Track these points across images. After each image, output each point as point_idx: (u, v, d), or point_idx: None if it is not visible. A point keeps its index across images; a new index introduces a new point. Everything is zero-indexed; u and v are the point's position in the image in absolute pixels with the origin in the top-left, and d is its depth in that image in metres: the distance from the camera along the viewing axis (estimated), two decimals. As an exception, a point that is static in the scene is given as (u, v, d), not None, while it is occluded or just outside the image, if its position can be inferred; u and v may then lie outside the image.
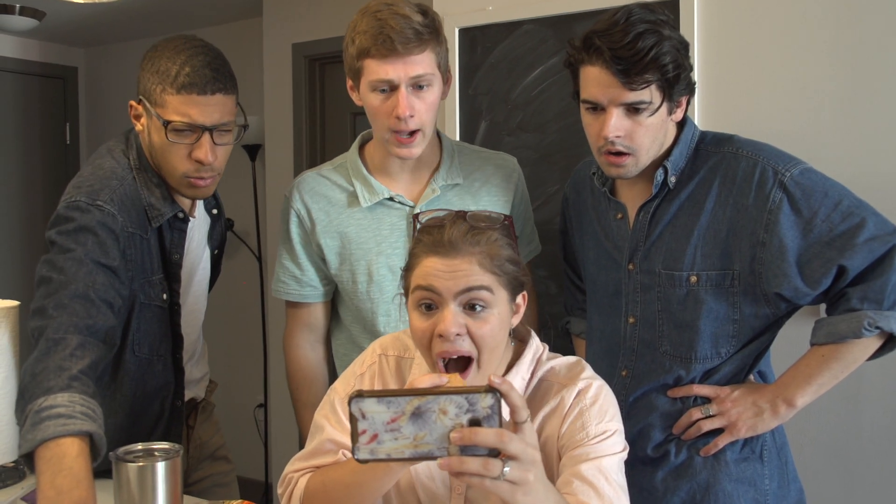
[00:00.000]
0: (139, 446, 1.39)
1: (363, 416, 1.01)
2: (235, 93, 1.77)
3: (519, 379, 1.43)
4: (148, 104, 1.72)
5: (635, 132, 1.61)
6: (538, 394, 1.44)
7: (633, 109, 1.59)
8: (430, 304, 1.32)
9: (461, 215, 1.37)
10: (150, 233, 1.79)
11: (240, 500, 1.40)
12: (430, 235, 1.35)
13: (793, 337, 1.79)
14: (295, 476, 1.44)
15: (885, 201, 1.76)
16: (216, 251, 2.09)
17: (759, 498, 1.70)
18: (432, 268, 1.31)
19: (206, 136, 1.72)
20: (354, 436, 1.02)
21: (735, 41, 2.21)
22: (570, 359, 1.49)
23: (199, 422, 2.10)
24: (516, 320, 1.41)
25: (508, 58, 2.66)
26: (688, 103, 1.70)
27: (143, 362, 1.81)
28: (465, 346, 1.30)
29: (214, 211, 2.04)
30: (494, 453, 1.02)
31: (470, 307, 1.30)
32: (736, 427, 1.66)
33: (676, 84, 1.60)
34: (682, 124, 1.73)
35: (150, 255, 1.79)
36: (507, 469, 1.02)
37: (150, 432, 1.85)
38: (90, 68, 5.20)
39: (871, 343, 1.60)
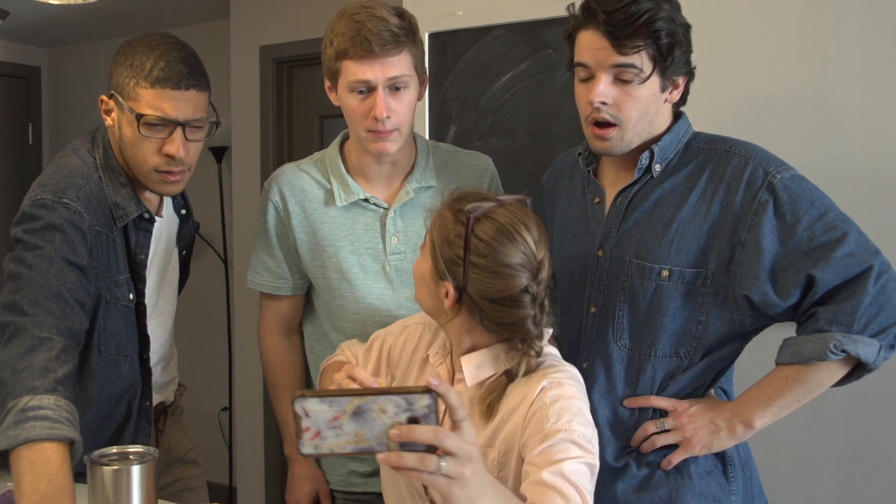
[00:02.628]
0: (114, 450, 1.38)
1: (306, 415, 1.05)
2: (208, 91, 1.77)
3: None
4: (120, 98, 1.71)
5: (623, 102, 1.58)
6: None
7: (622, 80, 1.57)
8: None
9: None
10: (115, 232, 1.77)
11: (211, 504, 1.38)
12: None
13: (760, 355, 1.73)
14: None
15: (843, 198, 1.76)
16: (184, 252, 2.07)
17: None
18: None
19: (179, 131, 1.71)
20: (299, 431, 1.06)
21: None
22: (547, 349, 1.50)
23: (168, 425, 2.08)
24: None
25: (478, 63, 2.68)
26: (686, 88, 1.66)
27: (110, 363, 1.80)
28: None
29: (183, 211, 2.03)
30: (432, 450, 1.06)
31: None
32: (690, 444, 1.61)
33: (670, 57, 1.56)
34: (677, 117, 1.70)
35: (116, 254, 1.78)
36: (443, 464, 1.05)
37: (118, 434, 1.84)
38: (53, 68, 5.14)
39: (837, 368, 1.53)
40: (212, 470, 4.48)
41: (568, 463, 1.31)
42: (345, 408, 1.05)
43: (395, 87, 1.79)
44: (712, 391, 1.69)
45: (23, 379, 1.41)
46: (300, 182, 1.97)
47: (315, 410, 1.05)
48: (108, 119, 1.78)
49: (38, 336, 1.48)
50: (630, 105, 1.59)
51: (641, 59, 1.56)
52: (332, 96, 1.88)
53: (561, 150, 2.55)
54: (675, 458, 1.63)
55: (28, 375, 1.41)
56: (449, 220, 1.44)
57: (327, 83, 1.88)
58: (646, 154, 1.66)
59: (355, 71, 1.77)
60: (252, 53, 4.10)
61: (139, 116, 1.68)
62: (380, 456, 1.06)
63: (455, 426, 1.10)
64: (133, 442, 1.80)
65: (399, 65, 1.77)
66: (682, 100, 1.69)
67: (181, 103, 1.69)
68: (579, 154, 1.81)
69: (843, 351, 1.48)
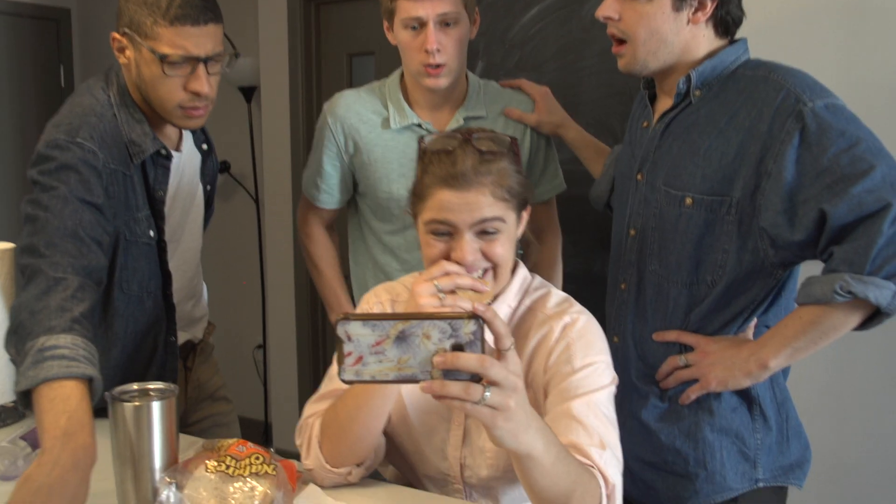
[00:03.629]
0: (134, 386, 1.39)
1: (349, 339, 1.04)
2: (222, 21, 1.75)
3: (505, 307, 1.47)
4: (137, 37, 1.68)
5: (629, 17, 1.60)
6: (525, 323, 1.47)
7: None
8: (444, 232, 1.37)
9: (468, 139, 1.38)
10: (133, 169, 1.76)
11: (235, 439, 1.40)
12: (441, 165, 1.37)
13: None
14: (309, 422, 1.48)
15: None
16: (209, 187, 2.07)
17: (747, 451, 1.65)
18: (446, 201, 1.35)
19: (202, 68, 1.70)
20: (340, 357, 1.04)
21: None
22: (560, 293, 1.51)
23: (196, 363, 2.11)
24: (521, 230, 1.47)
25: (505, -3, 2.63)
26: (720, 12, 1.60)
27: (133, 299, 1.81)
28: (481, 265, 1.38)
29: (204, 146, 2.02)
30: (476, 378, 1.03)
31: (483, 232, 1.36)
32: (707, 380, 1.60)
33: None
34: (733, 43, 1.66)
35: (134, 191, 1.77)
36: (487, 394, 1.03)
37: (145, 369, 1.86)
38: (83, 9, 5.12)
39: (852, 311, 1.45)
40: (247, 407, 4.56)
41: (596, 394, 1.35)
42: (388, 332, 1.03)
43: (444, 22, 1.91)
44: (750, 328, 1.65)
45: (40, 320, 1.42)
46: (357, 106, 2.11)
47: (358, 334, 1.03)
48: (122, 57, 1.76)
49: (53, 277, 1.49)
50: (636, 21, 1.60)
51: None
52: (389, 36, 2.02)
53: (590, 85, 2.51)
54: (693, 393, 1.63)
55: (45, 316, 1.42)
56: (501, 163, 1.40)
57: (385, 24, 2.01)
58: (683, 79, 1.64)
59: (408, 8, 1.90)
60: (280, -10, 4.05)
61: (162, 57, 1.66)
62: (422, 384, 1.04)
63: (500, 355, 1.08)
64: (160, 377, 1.82)
65: (449, 2, 1.89)
66: (722, 27, 1.63)
67: (202, 39, 1.67)
68: (643, 77, 1.80)
69: (850, 293, 1.41)
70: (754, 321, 1.65)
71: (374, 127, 2.08)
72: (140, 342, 1.84)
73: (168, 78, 1.68)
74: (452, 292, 1.30)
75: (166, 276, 1.87)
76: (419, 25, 1.91)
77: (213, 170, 2.09)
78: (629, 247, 1.74)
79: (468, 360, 1.02)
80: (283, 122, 4.13)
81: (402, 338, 1.03)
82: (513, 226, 1.40)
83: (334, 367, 1.48)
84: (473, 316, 1.03)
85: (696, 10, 1.59)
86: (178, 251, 1.95)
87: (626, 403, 1.67)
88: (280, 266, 4.19)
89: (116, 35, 1.74)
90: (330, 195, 2.19)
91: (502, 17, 2.63)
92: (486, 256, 1.37)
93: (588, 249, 2.54)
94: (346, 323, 1.03)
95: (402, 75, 2.11)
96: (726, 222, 1.57)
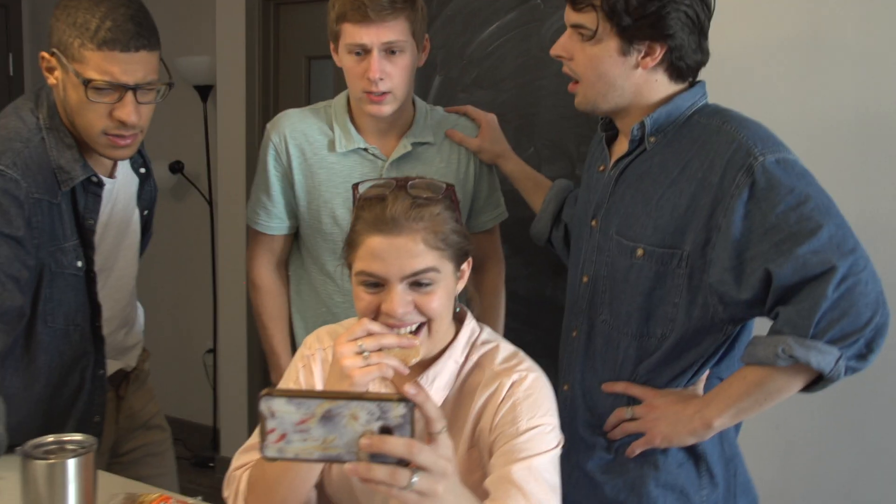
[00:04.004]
0: (50, 438, 1.32)
1: (272, 415, 0.99)
2: (159, 48, 1.67)
3: (452, 362, 1.41)
4: (64, 59, 1.60)
5: (578, 58, 1.59)
6: (473, 379, 1.42)
7: (578, 34, 1.57)
8: (375, 283, 1.30)
9: (402, 186, 1.32)
10: (60, 197, 1.68)
11: (158, 493, 1.33)
12: (372, 211, 1.31)
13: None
14: (237, 474, 1.42)
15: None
16: (146, 212, 1.99)
17: None
18: (376, 248, 1.28)
19: (130, 95, 1.62)
20: (263, 433, 1.00)
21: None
22: (508, 347, 1.46)
23: (129, 391, 2.03)
24: (461, 286, 1.41)
25: (464, 11, 2.57)
26: (668, 58, 1.55)
27: (58, 333, 1.73)
28: (414, 319, 1.31)
29: (142, 170, 1.94)
30: (404, 462, 0.99)
31: (416, 284, 1.30)
32: (651, 435, 1.57)
33: (625, 18, 1.50)
34: (691, 87, 1.62)
35: (62, 220, 1.69)
36: (415, 479, 0.99)
37: (71, 403, 1.78)
38: (35, -4, 4.99)
39: (795, 375, 1.41)
40: (196, 412, 4.48)
41: (538, 458, 1.30)
42: (314, 411, 0.99)
43: (390, 50, 1.86)
44: (701, 381, 1.61)
45: None
46: (302, 126, 2.04)
47: (282, 411, 0.99)
48: (52, 78, 1.67)
49: None
50: (584, 62, 1.58)
51: (588, 17, 1.53)
52: (335, 57, 1.96)
53: (547, 104, 2.47)
54: (638, 448, 1.60)
55: None
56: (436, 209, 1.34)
57: (331, 45, 1.95)
58: (637, 125, 1.60)
59: (353, 34, 1.84)
60: (238, -11, 3.96)
61: (87, 81, 1.57)
62: (347, 466, 0.99)
63: (431, 438, 1.04)
64: (87, 411, 1.75)
65: (394, 30, 1.84)
66: (677, 72, 1.58)
67: (131, 66, 1.59)
68: (601, 118, 1.77)
69: (792, 357, 1.37)
70: (706, 373, 1.61)
71: (319, 148, 2.01)
72: (65, 376, 1.76)
73: (92, 104, 1.60)
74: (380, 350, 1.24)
75: (95, 308, 1.79)
76: (363, 52, 1.86)
77: (152, 194, 2.01)
78: (581, 294, 1.70)
79: (395, 444, 0.98)
80: (238, 122, 4.05)
81: (328, 417, 0.99)
82: (450, 277, 1.34)
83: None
84: (403, 399, 0.99)
85: (645, 56, 1.55)
86: (111, 280, 1.87)
87: (573, 454, 1.63)
88: (232, 269, 4.10)
89: (45, 54, 1.65)
90: (279, 219, 2.09)
91: (461, 32, 2.58)
92: (419, 310, 1.30)
93: (539, 272, 2.50)
94: (269, 399, 0.99)
95: (349, 97, 2.04)
96: (677, 275, 1.54)
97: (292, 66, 4.00)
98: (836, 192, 1.48)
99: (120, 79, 1.59)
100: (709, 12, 1.57)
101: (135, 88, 1.61)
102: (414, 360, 1.28)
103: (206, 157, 4.25)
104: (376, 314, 1.31)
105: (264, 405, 0.99)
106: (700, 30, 1.55)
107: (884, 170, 2.03)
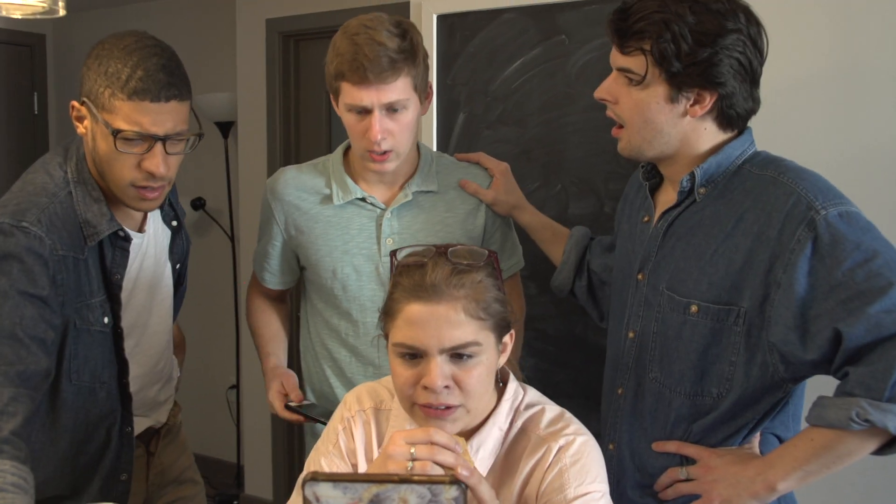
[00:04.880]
0: None
1: (318, 501, 0.96)
2: (190, 98, 1.65)
3: (496, 429, 1.36)
4: (94, 108, 1.58)
5: (623, 103, 1.54)
6: (518, 446, 1.37)
7: (625, 78, 1.52)
8: (414, 355, 1.26)
9: (442, 252, 1.29)
10: (87, 252, 1.65)
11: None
12: (411, 277, 1.27)
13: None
14: None
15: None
16: (178, 266, 1.96)
17: None
18: (415, 316, 1.24)
19: (159, 146, 1.60)
20: None
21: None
22: (553, 409, 1.40)
23: (160, 447, 1.99)
24: (503, 360, 1.36)
25: (488, 48, 2.55)
26: (718, 106, 1.50)
27: (84, 390, 1.69)
28: (453, 398, 1.26)
29: (174, 223, 1.92)
30: None
31: (457, 356, 1.25)
32: (709, 497, 1.50)
33: (675, 64, 1.45)
34: (740, 134, 1.58)
35: (88, 276, 1.66)
36: None
37: (97, 462, 1.75)
38: (58, 36, 5.03)
39: (868, 437, 1.35)
40: (219, 449, 4.46)
41: None
42: (361, 495, 0.96)
43: (392, 108, 1.79)
44: (754, 440, 1.55)
45: None
46: (298, 182, 1.99)
47: (327, 496, 0.96)
48: (81, 127, 1.65)
49: None
50: (630, 107, 1.53)
51: (637, 62, 1.49)
52: (335, 108, 1.89)
53: (574, 141, 2.44)
54: None
55: None
56: (477, 276, 1.30)
57: (332, 97, 1.89)
58: (686, 176, 1.55)
59: (352, 94, 1.78)
60: (258, 27, 3.97)
61: (116, 132, 1.56)
62: None
63: None
64: (114, 470, 1.71)
65: (396, 90, 1.77)
66: (727, 121, 1.54)
67: (161, 116, 1.57)
68: (642, 166, 1.71)
69: (867, 420, 1.31)
70: (759, 431, 1.55)
71: (315, 203, 1.97)
72: (91, 433, 1.73)
73: (121, 154, 1.58)
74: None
75: (122, 365, 1.75)
76: (364, 111, 1.79)
77: (184, 248, 1.98)
78: (627, 350, 1.65)
79: None
80: (260, 158, 4.05)
81: (376, 502, 0.96)
82: (491, 350, 1.29)
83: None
84: (455, 481, 0.96)
85: (694, 104, 1.50)
86: (144, 337, 1.84)
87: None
88: (255, 305, 4.09)
89: (76, 104, 1.64)
90: (272, 275, 2.09)
91: (484, 69, 2.56)
92: (458, 384, 1.25)
93: (568, 311, 2.46)
94: (314, 484, 0.96)
95: (347, 147, 2.00)
96: (734, 333, 1.48)
97: (313, 101, 4.01)
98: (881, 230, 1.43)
99: (149, 129, 1.57)
100: (761, 58, 1.52)
101: (164, 139, 1.60)
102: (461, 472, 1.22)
103: (228, 194, 4.26)
104: (414, 388, 1.27)
105: (309, 491, 0.96)
106: (752, 78, 1.51)
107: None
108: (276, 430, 4.13)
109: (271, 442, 4.16)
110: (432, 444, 1.16)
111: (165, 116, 1.58)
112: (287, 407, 1.91)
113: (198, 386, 4.54)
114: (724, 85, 1.47)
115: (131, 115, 1.55)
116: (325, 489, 0.96)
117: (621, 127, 1.58)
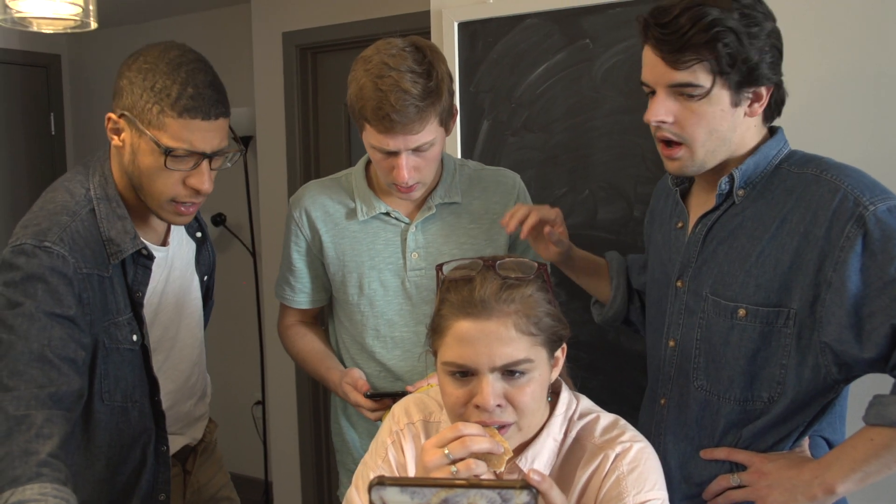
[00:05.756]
0: None
1: None
2: (230, 114, 1.64)
3: (551, 441, 1.33)
4: (140, 123, 1.55)
5: (686, 119, 1.45)
6: (574, 456, 1.34)
7: (682, 94, 1.44)
8: (464, 373, 1.23)
9: (490, 266, 1.26)
10: (111, 270, 1.63)
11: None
12: (459, 293, 1.24)
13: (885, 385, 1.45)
14: None
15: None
16: (206, 278, 1.94)
17: None
18: (464, 333, 1.21)
19: (206, 164, 1.58)
20: None
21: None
22: (608, 417, 1.38)
23: (197, 465, 1.96)
24: (555, 374, 1.33)
25: (511, 53, 2.53)
26: (772, 100, 1.48)
27: (117, 410, 1.66)
28: (506, 416, 1.23)
29: (199, 234, 1.90)
30: None
31: (509, 373, 1.22)
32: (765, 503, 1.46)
33: (734, 68, 1.40)
34: (772, 133, 1.55)
35: (114, 293, 1.63)
36: None
37: (134, 482, 1.72)
38: (74, 56, 5.04)
39: None
40: (246, 465, 4.43)
41: None
42: (430, 500, 0.94)
43: (419, 149, 1.75)
44: (805, 443, 1.52)
45: (3, 469, 1.29)
46: (322, 198, 1.98)
47: (394, 501, 0.95)
48: (117, 139, 1.61)
49: (14, 416, 1.35)
50: (694, 123, 1.46)
51: (698, 74, 1.41)
52: (360, 133, 1.83)
53: (601, 145, 2.41)
54: None
55: (7, 465, 1.30)
56: (527, 290, 1.27)
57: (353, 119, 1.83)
58: (725, 178, 1.51)
59: (377, 139, 1.73)
60: (275, 40, 3.96)
61: (168, 150, 1.53)
62: None
63: None
64: (152, 490, 1.69)
65: (423, 134, 1.72)
66: (771, 113, 1.52)
67: (209, 134, 1.56)
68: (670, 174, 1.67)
69: None
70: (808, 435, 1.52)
71: (340, 219, 1.94)
72: (126, 454, 1.70)
73: (168, 171, 1.56)
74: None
75: (153, 383, 1.73)
76: (391, 153, 1.75)
77: (210, 259, 1.96)
78: (668, 359, 1.61)
79: None
80: (279, 172, 4.04)
81: None
82: (544, 366, 1.26)
83: (352, 495, 1.36)
84: (527, 486, 0.93)
85: (753, 102, 1.47)
86: (174, 352, 1.81)
87: None
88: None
89: (113, 116, 1.60)
90: (304, 293, 2.04)
91: (508, 75, 2.53)
92: (510, 402, 1.23)
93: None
94: (381, 489, 0.95)
95: (368, 161, 1.96)
96: (784, 335, 1.45)
97: (331, 113, 4.00)
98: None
99: (198, 147, 1.55)
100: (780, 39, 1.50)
101: (210, 156, 1.58)
102: (502, 468, 1.20)
103: (248, 208, 4.24)
104: (466, 407, 1.24)
105: (376, 495, 0.94)
106: (781, 59, 1.49)
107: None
108: (304, 446, 4.11)
109: (299, 456, 4.14)
110: (462, 437, 1.15)
111: (213, 134, 1.56)
112: (367, 396, 1.85)
113: (222, 403, 4.52)
114: (777, 75, 1.46)
115: (181, 133, 1.53)
116: (392, 494, 0.94)
117: (680, 144, 1.50)
